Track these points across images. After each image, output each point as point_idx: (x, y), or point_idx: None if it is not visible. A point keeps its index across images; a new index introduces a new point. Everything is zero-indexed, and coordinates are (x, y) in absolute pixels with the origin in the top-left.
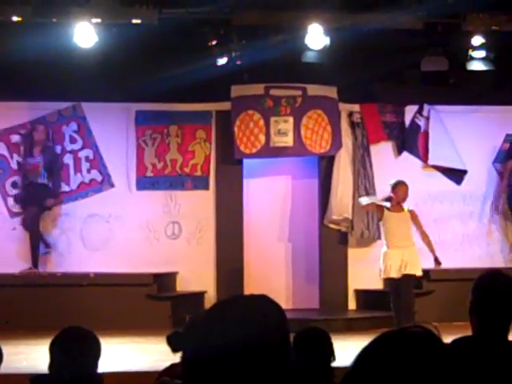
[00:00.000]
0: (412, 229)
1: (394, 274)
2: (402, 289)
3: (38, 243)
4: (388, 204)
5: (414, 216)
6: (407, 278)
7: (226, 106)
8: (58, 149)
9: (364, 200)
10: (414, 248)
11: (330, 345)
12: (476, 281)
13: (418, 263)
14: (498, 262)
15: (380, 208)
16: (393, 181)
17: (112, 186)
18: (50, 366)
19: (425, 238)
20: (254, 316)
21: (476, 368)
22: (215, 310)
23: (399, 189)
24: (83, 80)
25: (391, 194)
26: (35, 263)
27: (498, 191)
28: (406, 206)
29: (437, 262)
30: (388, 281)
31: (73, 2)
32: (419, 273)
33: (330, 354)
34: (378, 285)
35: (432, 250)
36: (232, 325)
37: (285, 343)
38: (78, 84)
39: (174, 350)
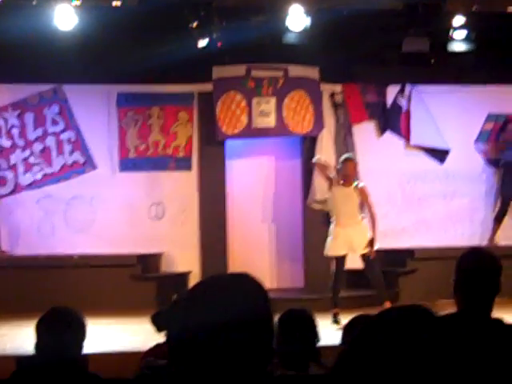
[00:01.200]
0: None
1: (334, 253)
2: (366, 269)
3: None
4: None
5: (361, 193)
6: (364, 258)
7: (207, 87)
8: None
9: (317, 158)
10: (361, 225)
11: (314, 325)
12: (459, 259)
13: (366, 239)
14: (480, 240)
15: (329, 179)
16: (342, 157)
17: (95, 167)
18: (36, 347)
19: (371, 217)
20: (237, 294)
21: (460, 345)
22: (198, 289)
23: (344, 165)
24: (64, 62)
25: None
26: None
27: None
28: (358, 182)
29: (371, 244)
30: (334, 258)
31: None
32: (369, 249)
33: (315, 334)
34: (362, 264)
35: (373, 231)
36: (215, 303)
37: (268, 321)
38: (58, 66)
39: (158, 329)
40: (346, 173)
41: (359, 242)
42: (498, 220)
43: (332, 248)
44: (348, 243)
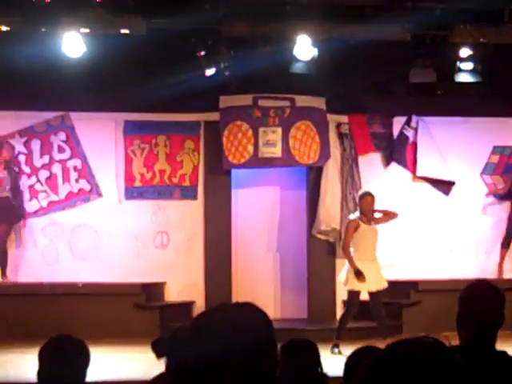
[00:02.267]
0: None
1: (366, 287)
2: (374, 303)
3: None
4: (356, 216)
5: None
6: (378, 294)
7: (214, 116)
8: (40, 160)
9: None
10: (378, 262)
11: (317, 354)
12: (463, 291)
13: (382, 276)
14: (485, 273)
15: (352, 232)
16: (360, 192)
17: (100, 195)
18: (39, 374)
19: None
20: (241, 324)
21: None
22: (202, 317)
23: (365, 201)
24: (71, 90)
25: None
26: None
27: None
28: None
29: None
30: (352, 292)
31: (61, 11)
32: (385, 284)
33: (318, 363)
34: (365, 295)
35: (388, 213)
36: (218, 332)
37: (271, 352)
38: (66, 94)
39: (158, 355)
40: (368, 208)
41: (380, 277)
42: (504, 247)
43: (363, 284)
44: (375, 279)
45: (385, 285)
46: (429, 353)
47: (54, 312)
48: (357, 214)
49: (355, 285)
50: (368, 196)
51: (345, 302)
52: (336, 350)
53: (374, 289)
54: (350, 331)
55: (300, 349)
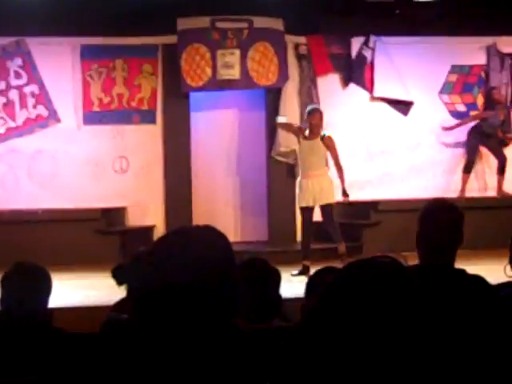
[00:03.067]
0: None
1: (304, 204)
2: (323, 220)
3: None
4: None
5: (329, 142)
6: (323, 209)
7: (172, 39)
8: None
9: (281, 119)
10: (326, 177)
11: (274, 274)
12: (422, 210)
13: (330, 191)
14: (443, 192)
15: (301, 130)
16: (308, 107)
17: (58, 121)
18: (2, 302)
19: (336, 166)
20: (200, 247)
21: (425, 296)
22: (162, 241)
23: (311, 116)
24: (27, 14)
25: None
26: None
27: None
28: (324, 132)
29: (344, 194)
30: (301, 210)
31: None
32: (332, 200)
33: (277, 285)
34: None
35: (341, 182)
36: (178, 256)
37: (230, 273)
38: (21, 18)
39: (119, 282)
40: (313, 123)
41: (325, 193)
42: (466, 172)
43: (300, 200)
44: (314, 195)
45: (327, 201)
46: (385, 272)
47: (14, 239)
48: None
49: (301, 202)
50: (318, 113)
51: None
52: (305, 271)
53: (309, 204)
54: (312, 252)
55: (260, 269)
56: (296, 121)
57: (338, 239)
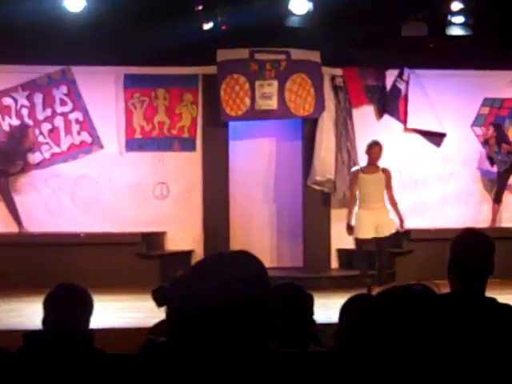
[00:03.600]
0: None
1: (365, 235)
2: (377, 250)
3: (14, 207)
4: (358, 167)
5: (388, 175)
6: (382, 241)
7: (212, 69)
8: (42, 114)
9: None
10: (387, 209)
11: (308, 301)
12: (453, 239)
13: (391, 223)
14: (475, 222)
15: (355, 174)
16: (369, 141)
17: (101, 147)
18: (44, 322)
19: (391, 200)
20: (237, 272)
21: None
22: (200, 266)
23: (370, 150)
24: (73, 44)
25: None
26: (19, 224)
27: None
28: (381, 165)
29: (401, 226)
30: (358, 241)
31: None
32: (393, 230)
33: (310, 311)
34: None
35: (399, 215)
36: (215, 279)
37: (266, 297)
38: (67, 48)
39: (159, 304)
40: (375, 156)
41: (386, 226)
42: (497, 201)
43: (359, 232)
44: (376, 227)
45: (389, 232)
46: (417, 300)
47: (57, 261)
48: (357, 166)
49: (363, 233)
50: (378, 146)
51: (338, 251)
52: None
53: (370, 236)
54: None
55: (295, 296)
56: (332, 150)
57: (382, 277)
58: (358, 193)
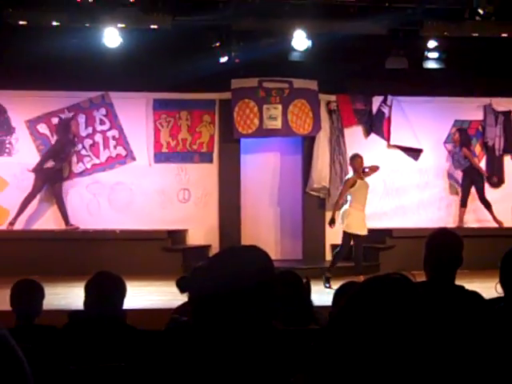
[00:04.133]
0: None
1: (364, 232)
2: (360, 244)
3: (64, 208)
4: (350, 175)
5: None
6: (361, 238)
7: (227, 95)
8: (85, 131)
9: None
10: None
11: (305, 286)
12: (428, 237)
13: (365, 225)
14: (446, 222)
15: (347, 189)
16: (350, 154)
17: (134, 159)
18: (85, 303)
19: (368, 172)
20: (247, 262)
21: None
22: (216, 258)
23: (354, 161)
24: (110, 74)
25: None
26: (66, 222)
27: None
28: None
29: (376, 168)
30: (350, 235)
31: (102, 10)
32: (366, 232)
33: (307, 294)
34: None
35: (372, 167)
36: (228, 269)
37: (271, 284)
38: (106, 77)
39: (182, 291)
40: (360, 165)
41: (364, 225)
42: (463, 206)
43: (361, 228)
44: (362, 225)
45: (366, 232)
46: (396, 286)
47: (96, 253)
48: (351, 173)
49: (361, 230)
50: (358, 157)
51: (332, 246)
52: (327, 285)
53: (362, 233)
54: (339, 269)
55: (295, 278)
56: (327, 163)
57: (359, 268)
58: (349, 196)
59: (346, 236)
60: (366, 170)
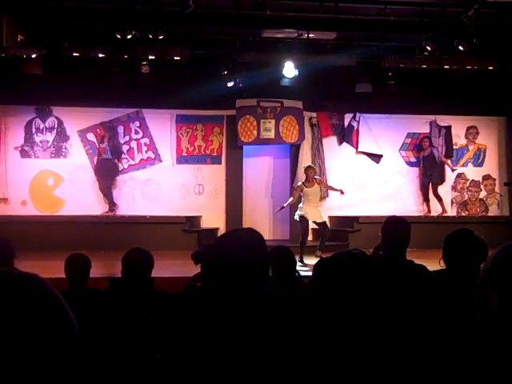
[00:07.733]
0: (319, 195)
1: (311, 219)
2: (321, 229)
3: (111, 200)
4: (301, 182)
5: (320, 182)
6: (320, 225)
7: (232, 112)
8: (123, 139)
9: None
10: (318, 208)
11: (294, 260)
12: (384, 222)
13: (321, 214)
14: (402, 212)
15: (298, 192)
16: (305, 165)
17: (161, 161)
18: (122, 272)
19: (331, 189)
20: (246, 241)
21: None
22: (222, 237)
23: (307, 172)
24: (143, 94)
25: (304, 175)
26: (111, 209)
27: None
28: (316, 176)
29: (342, 192)
30: (303, 219)
31: (137, 45)
32: (325, 219)
33: (293, 264)
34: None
35: (338, 190)
36: (232, 246)
37: (265, 258)
38: (140, 97)
39: (196, 262)
40: (312, 175)
41: (319, 216)
42: (426, 201)
43: (310, 216)
44: (315, 215)
45: (323, 220)
46: (354, 258)
47: (131, 234)
48: (300, 182)
49: (312, 217)
50: (311, 168)
51: (313, 229)
52: (302, 260)
53: (315, 220)
54: (314, 247)
55: (283, 253)
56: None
57: (323, 246)
58: (302, 196)
59: (301, 223)
60: (317, 177)
